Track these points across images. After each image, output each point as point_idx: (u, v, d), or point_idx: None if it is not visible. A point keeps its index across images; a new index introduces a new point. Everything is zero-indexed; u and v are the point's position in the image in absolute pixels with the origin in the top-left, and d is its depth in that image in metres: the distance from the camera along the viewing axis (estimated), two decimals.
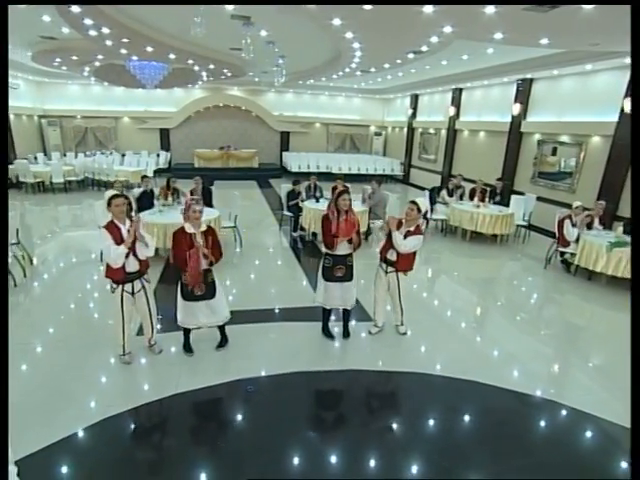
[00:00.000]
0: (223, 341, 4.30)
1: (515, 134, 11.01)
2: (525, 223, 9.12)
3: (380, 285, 4.54)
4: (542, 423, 3.45)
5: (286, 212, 8.80)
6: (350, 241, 4.12)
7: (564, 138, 9.57)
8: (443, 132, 14.72)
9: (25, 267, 6.12)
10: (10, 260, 5.83)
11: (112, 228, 3.62)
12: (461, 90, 13.67)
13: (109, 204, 3.66)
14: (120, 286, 3.74)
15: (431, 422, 3.41)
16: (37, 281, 6.06)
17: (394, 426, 3.36)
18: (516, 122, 10.93)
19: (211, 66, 11.24)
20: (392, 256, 4.35)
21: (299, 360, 4.15)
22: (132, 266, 3.72)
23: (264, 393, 3.70)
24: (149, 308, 3.99)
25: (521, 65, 9.85)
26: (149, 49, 8.69)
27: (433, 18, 5.26)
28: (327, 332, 4.56)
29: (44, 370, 3.89)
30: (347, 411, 3.66)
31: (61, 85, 16.35)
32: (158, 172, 15.63)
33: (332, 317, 4.63)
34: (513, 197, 9.40)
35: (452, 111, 13.93)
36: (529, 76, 10.34)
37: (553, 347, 4.84)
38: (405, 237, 4.23)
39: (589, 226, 7.26)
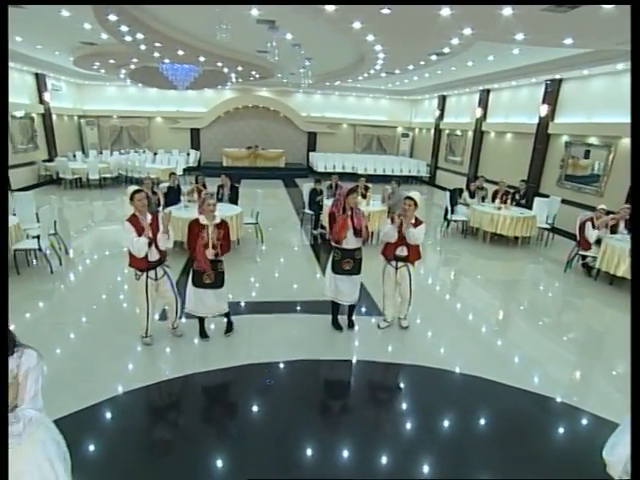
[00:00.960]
0: (230, 327, 4.56)
1: (542, 136, 10.83)
2: (548, 226, 8.98)
3: (389, 281, 4.66)
4: (554, 424, 3.50)
5: (307, 210, 9.01)
6: (359, 235, 4.28)
7: (592, 140, 9.37)
8: (470, 134, 14.58)
9: (61, 256, 6.58)
10: (48, 251, 6.29)
11: (135, 221, 3.93)
12: (489, 91, 13.53)
13: (132, 198, 3.96)
14: (144, 273, 4.04)
15: (436, 416, 3.53)
16: (71, 270, 6.49)
17: (394, 415, 3.50)
18: (543, 123, 10.74)
19: (239, 68, 11.60)
20: (402, 252, 4.47)
21: (307, 349, 4.34)
22: (153, 255, 4.01)
23: (272, 377, 3.91)
24: (174, 293, 4.28)
25: (550, 65, 9.68)
26: (180, 52, 9.10)
27: (451, 21, 5.34)
28: (336, 324, 4.73)
29: (74, 347, 4.24)
30: (348, 397, 3.84)
31: (99, 87, 17.19)
32: (188, 170, 16.17)
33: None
34: (536, 199, 9.27)
35: (479, 112, 13.80)
36: (558, 76, 10.15)
37: (569, 350, 4.81)
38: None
39: (614, 230, 7.12)
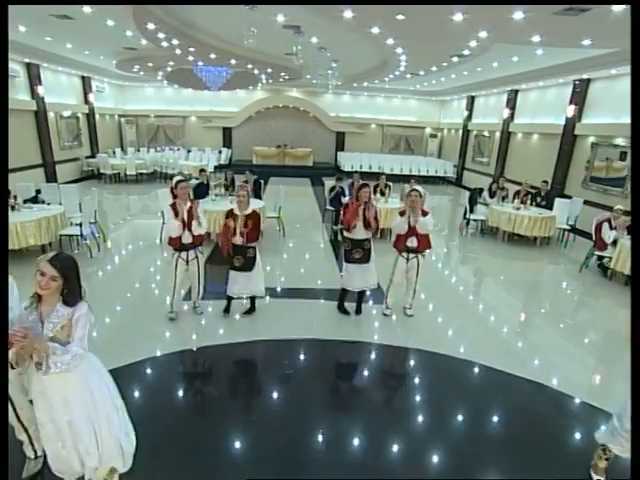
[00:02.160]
0: (251, 310, 5.00)
1: (568, 137, 10.74)
2: (568, 227, 8.96)
3: (399, 272, 4.95)
4: (562, 417, 3.73)
5: (329, 206, 9.36)
6: (368, 227, 4.61)
7: (619, 141, 9.26)
8: (497, 134, 14.52)
9: (100, 243, 7.23)
10: (87, 240, 6.95)
11: (174, 207, 4.48)
12: (517, 92, 13.46)
13: (176, 187, 4.49)
14: (177, 253, 4.56)
15: (437, 396, 3.82)
16: (109, 256, 7.12)
17: (396, 394, 3.81)
18: (570, 124, 10.66)
19: (269, 70, 12.10)
20: (413, 243, 4.77)
21: (315, 330, 4.72)
22: (187, 238, 4.53)
23: (280, 352, 4.30)
24: (199, 274, 4.78)
25: (577, 65, 9.61)
26: (212, 56, 9.66)
27: (464, 25, 5.56)
28: (343, 309, 5.08)
29: (109, 320, 4.78)
30: (352, 374, 4.19)
31: (138, 88, 18.18)
32: (219, 168, 16.84)
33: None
34: (557, 200, 9.24)
35: (506, 113, 13.74)
36: (586, 76, 10.06)
37: (580, 347, 4.94)
38: None
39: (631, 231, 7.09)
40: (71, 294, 2.12)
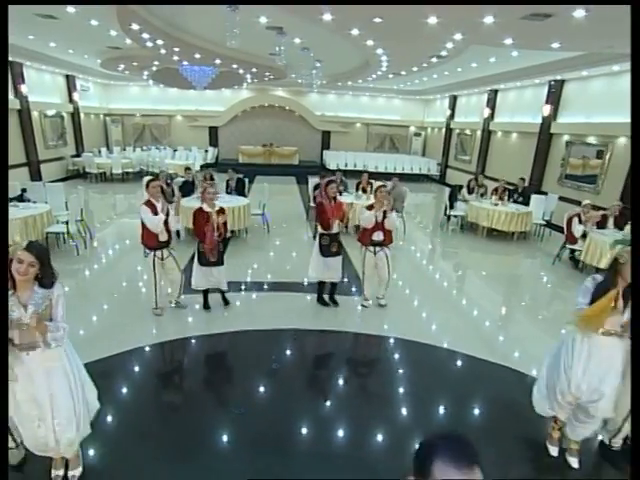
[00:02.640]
0: (226, 303, 5.21)
1: (545, 135, 11.11)
2: (544, 222, 9.31)
3: (369, 265, 5.16)
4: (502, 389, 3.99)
5: (312, 203, 9.56)
6: (341, 221, 4.83)
7: (591, 139, 9.64)
8: (478, 133, 14.88)
9: (86, 241, 7.33)
10: (73, 238, 7.05)
11: (149, 204, 4.59)
12: (496, 92, 13.82)
13: (147, 186, 4.62)
14: (152, 252, 4.69)
15: (412, 381, 4.06)
16: (95, 253, 7.24)
17: (373, 379, 4.04)
18: (546, 123, 11.03)
19: (254, 69, 12.24)
20: (379, 237, 4.99)
21: (295, 320, 4.93)
22: (163, 236, 4.66)
23: (261, 341, 4.50)
24: (178, 270, 4.92)
25: (552, 66, 9.95)
26: (197, 56, 9.78)
27: (439, 28, 5.81)
28: (322, 301, 5.31)
29: (95, 315, 4.92)
30: (329, 361, 4.41)
31: (123, 87, 18.14)
32: (205, 166, 16.92)
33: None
34: (533, 196, 9.59)
35: (487, 112, 14.10)
36: (559, 77, 10.43)
37: (545, 330, 5.26)
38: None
39: (602, 225, 7.44)
40: (47, 277, 2.29)
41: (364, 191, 9.05)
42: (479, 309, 5.74)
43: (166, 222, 4.58)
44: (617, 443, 3.11)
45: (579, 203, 9.67)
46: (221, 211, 4.72)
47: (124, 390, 3.60)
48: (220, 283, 4.97)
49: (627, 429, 3.01)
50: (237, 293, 5.56)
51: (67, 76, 14.62)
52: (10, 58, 11.21)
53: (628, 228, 7.04)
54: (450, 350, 4.51)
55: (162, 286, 4.93)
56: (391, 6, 5.11)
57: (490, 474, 2.47)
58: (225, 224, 4.73)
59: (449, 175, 17.52)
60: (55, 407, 2.39)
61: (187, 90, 16.23)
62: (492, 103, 13.97)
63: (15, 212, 6.63)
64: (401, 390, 3.84)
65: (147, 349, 4.26)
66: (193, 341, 4.49)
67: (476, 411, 3.63)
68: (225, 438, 3.14)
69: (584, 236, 7.18)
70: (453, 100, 16.98)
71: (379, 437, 3.23)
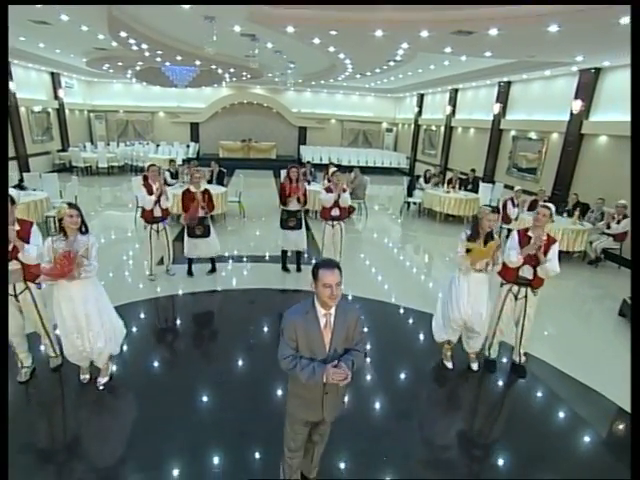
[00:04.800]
0: (213, 269, 6.24)
1: (496, 131, 12.37)
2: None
3: (328, 235, 6.26)
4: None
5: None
6: (298, 201, 5.92)
7: (532, 134, 10.91)
8: (442, 129, 16.11)
9: None
10: None
11: (147, 184, 5.61)
12: (457, 90, 15.05)
13: (148, 169, 5.64)
14: (149, 226, 5.68)
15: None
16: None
17: None
18: (496, 120, 12.29)
19: (232, 70, 13.15)
20: (336, 212, 6.08)
21: (264, 282, 5.98)
22: (157, 212, 5.66)
23: (237, 298, 5.54)
24: (168, 243, 5.92)
25: (499, 69, 11.12)
26: (179, 57, 10.66)
27: (384, 40, 6.90)
28: (285, 268, 6.40)
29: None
30: None
31: (107, 84, 18.80)
32: (187, 161, 17.71)
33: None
34: (481, 185, 10.83)
35: (449, 110, 15.33)
36: (506, 79, 11.68)
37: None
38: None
39: (532, 208, 8.67)
40: (85, 226, 3.29)
41: (329, 181, 10.11)
42: (424, 275, 6.88)
43: (159, 200, 5.56)
44: (494, 353, 4.28)
45: (524, 191, 11.00)
46: (206, 192, 5.73)
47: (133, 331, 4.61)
48: (209, 252, 5.98)
49: (495, 341, 4.21)
50: (218, 264, 6.57)
51: (52, 73, 15.26)
52: None
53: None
54: (395, 304, 5.64)
55: (154, 256, 5.92)
56: (343, 21, 6.17)
57: (409, 384, 3.64)
58: (211, 200, 5.72)
59: (418, 168, 18.68)
60: (89, 323, 3.38)
61: (169, 88, 17.01)
62: (453, 101, 15.20)
63: (19, 198, 7.51)
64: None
65: (142, 303, 5.26)
66: (180, 297, 5.53)
67: (400, 346, 4.75)
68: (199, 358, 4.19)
69: (517, 218, 8.41)
70: (420, 98, 18.19)
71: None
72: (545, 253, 3.81)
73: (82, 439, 3.18)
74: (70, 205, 3.25)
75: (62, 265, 3.04)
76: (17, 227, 3.22)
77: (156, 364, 4.13)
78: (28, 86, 13.85)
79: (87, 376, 3.68)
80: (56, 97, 15.62)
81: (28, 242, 3.24)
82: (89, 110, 18.83)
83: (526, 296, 4.03)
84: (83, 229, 3.30)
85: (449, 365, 4.29)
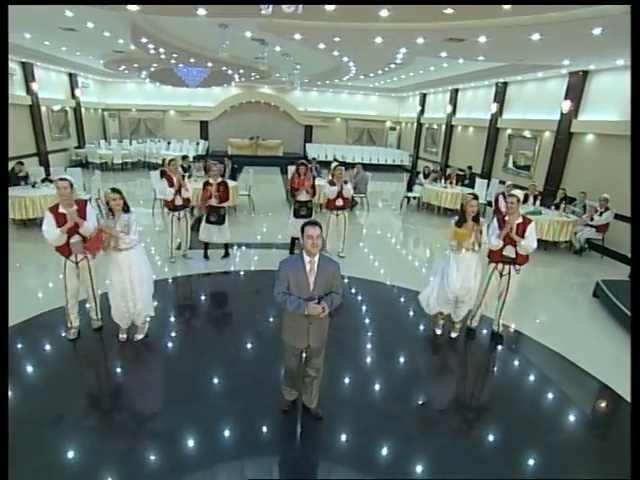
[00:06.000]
0: (226, 254, 6.93)
1: (493, 129, 12.94)
2: (486, 202, 11.14)
3: (332, 224, 6.92)
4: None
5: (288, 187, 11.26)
6: (308, 193, 6.57)
7: (526, 133, 11.48)
8: (443, 127, 16.68)
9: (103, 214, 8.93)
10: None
11: (167, 176, 6.28)
12: (457, 91, 15.61)
13: (169, 163, 6.32)
14: (171, 213, 6.35)
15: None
16: None
17: None
18: (494, 119, 12.85)
19: (241, 70, 13.81)
20: (340, 203, 6.75)
21: (273, 265, 6.59)
22: (179, 201, 6.34)
23: (249, 278, 6.21)
24: (187, 230, 6.60)
25: (496, 70, 11.65)
26: (192, 60, 11.33)
27: (384, 46, 7.52)
28: (292, 253, 7.03)
29: None
30: None
31: (120, 83, 19.55)
32: (197, 158, 18.42)
33: None
34: (478, 180, 11.42)
35: (449, 109, 15.90)
36: (502, 80, 12.24)
37: None
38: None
39: (524, 202, 9.25)
40: (127, 206, 3.98)
41: (332, 176, 10.75)
42: (417, 261, 7.51)
43: (180, 190, 6.25)
44: (476, 322, 4.91)
45: (518, 187, 11.55)
46: (222, 183, 6.41)
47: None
48: (220, 238, 6.65)
49: (479, 312, 4.82)
50: (230, 250, 7.25)
51: (70, 74, 16.01)
52: (24, 60, 12.67)
53: (538, 202, 8.93)
54: (390, 285, 6.28)
55: (174, 241, 6.61)
56: (346, 29, 6.80)
57: (403, 347, 4.30)
58: (227, 191, 6.40)
59: (420, 165, 19.24)
60: (132, 287, 4.07)
61: (180, 87, 17.69)
62: (453, 101, 15.76)
63: (47, 190, 8.25)
64: (350, 305, 5.59)
65: (168, 281, 5.95)
66: (196, 277, 6.21)
67: (394, 318, 5.40)
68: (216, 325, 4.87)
69: None
70: (423, 98, 18.75)
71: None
72: (523, 233, 4.43)
73: (122, 387, 3.85)
74: (113, 190, 3.93)
75: (93, 242, 3.76)
76: (76, 207, 3.91)
77: (180, 329, 4.82)
78: (49, 86, 14.59)
79: (125, 335, 4.36)
80: (73, 96, 16.37)
81: (85, 219, 3.94)
82: (103, 109, 19.59)
83: (509, 273, 4.64)
84: (125, 208, 3.98)
85: (438, 332, 4.92)
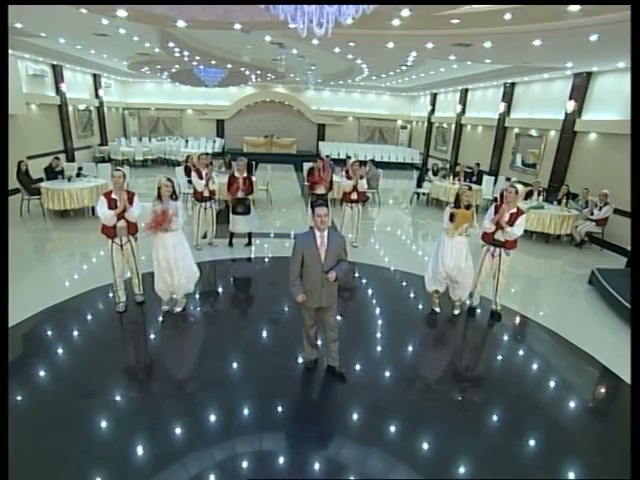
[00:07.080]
0: (249, 243, 7.55)
1: (501, 128, 13.36)
2: (492, 197, 11.58)
3: (347, 216, 7.50)
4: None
5: (306, 182, 11.81)
6: (325, 187, 7.15)
7: (533, 132, 11.89)
8: (452, 126, 17.10)
9: None
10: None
11: (197, 171, 6.94)
12: (467, 90, 16.03)
13: (198, 158, 7.01)
14: (198, 204, 6.97)
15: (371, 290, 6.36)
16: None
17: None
18: (502, 118, 13.26)
19: (258, 71, 14.40)
20: (355, 196, 7.31)
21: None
22: (206, 193, 6.97)
23: (265, 265, 6.81)
24: (212, 219, 7.21)
25: (504, 72, 12.08)
26: (213, 62, 11.95)
27: (396, 51, 8.04)
28: None
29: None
30: None
31: (140, 83, 20.31)
32: (214, 155, 19.07)
33: None
34: (485, 177, 11.87)
35: (459, 108, 16.32)
36: (510, 81, 12.66)
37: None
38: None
39: (528, 197, 9.72)
40: (175, 194, 4.58)
41: (347, 171, 11.31)
42: (421, 251, 8.04)
43: (208, 183, 6.87)
44: (476, 301, 5.43)
45: (525, 184, 11.99)
46: (247, 178, 7.01)
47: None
48: (247, 228, 7.28)
49: (476, 292, 5.36)
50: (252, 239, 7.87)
51: (94, 75, 16.78)
52: (54, 62, 13.42)
53: (541, 198, 9.38)
54: (396, 270, 6.83)
55: (200, 229, 7.23)
56: (360, 35, 7.33)
57: (403, 323, 4.89)
58: (251, 184, 7.01)
59: (430, 163, 19.70)
60: (176, 265, 4.68)
61: (199, 87, 18.35)
62: (463, 100, 16.19)
63: (82, 184, 8.94)
64: (362, 288, 6.16)
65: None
66: (221, 262, 6.84)
67: (400, 298, 5.94)
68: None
69: None
70: (433, 97, 19.18)
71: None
72: (514, 221, 4.94)
73: (163, 355, 4.46)
74: (168, 179, 4.54)
75: (160, 218, 4.35)
76: (126, 195, 4.54)
77: (212, 305, 5.44)
78: (75, 87, 15.36)
79: (166, 307, 4.99)
80: (97, 96, 17.14)
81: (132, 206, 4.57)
82: (124, 108, 20.37)
83: (500, 255, 5.16)
84: (174, 197, 4.59)
85: (437, 309, 5.47)
